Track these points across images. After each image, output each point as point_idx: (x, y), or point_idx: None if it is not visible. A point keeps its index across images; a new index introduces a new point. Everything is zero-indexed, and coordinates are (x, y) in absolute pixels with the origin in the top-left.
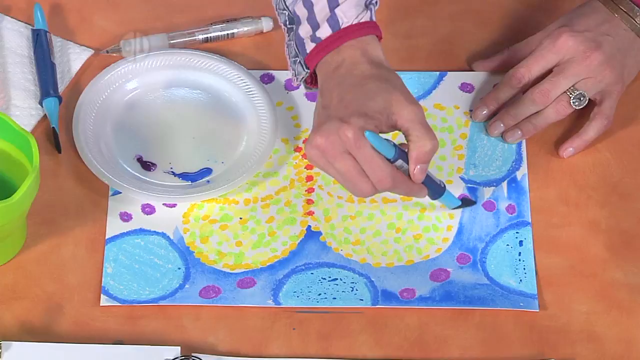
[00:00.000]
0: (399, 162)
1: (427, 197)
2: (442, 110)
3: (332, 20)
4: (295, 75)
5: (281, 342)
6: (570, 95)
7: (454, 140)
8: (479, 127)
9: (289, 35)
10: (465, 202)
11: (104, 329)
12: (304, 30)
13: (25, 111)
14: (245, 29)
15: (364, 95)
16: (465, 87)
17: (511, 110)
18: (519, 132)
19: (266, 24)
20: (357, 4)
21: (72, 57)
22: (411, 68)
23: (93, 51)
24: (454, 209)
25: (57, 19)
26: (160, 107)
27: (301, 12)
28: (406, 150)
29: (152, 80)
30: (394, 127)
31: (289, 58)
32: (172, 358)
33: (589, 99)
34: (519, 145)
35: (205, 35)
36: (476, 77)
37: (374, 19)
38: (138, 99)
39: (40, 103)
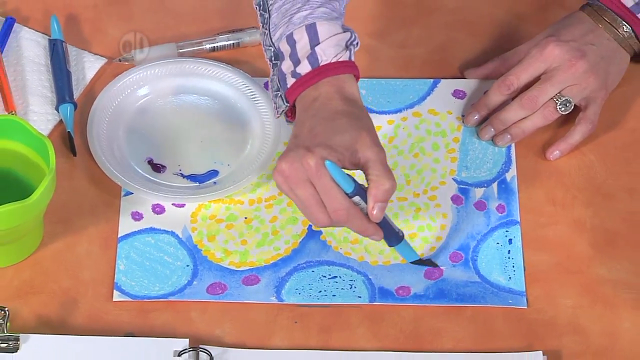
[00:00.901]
0: (357, 198)
1: (386, 243)
2: (436, 116)
3: (312, 57)
4: (276, 109)
5: (284, 334)
6: (557, 102)
7: (447, 144)
8: (470, 132)
9: (273, 71)
10: (426, 262)
11: (116, 322)
12: (286, 65)
13: (42, 116)
14: (250, 38)
15: (333, 129)
16: (457, 94)
17: (501, 115)
18: (509, 136)
19: None
20: (337, 44)
21: (86, 65)
22: (407, 76)
23: (106, 60)
24: (412, 262)
25: (72, 30)
26: (169, 113)
27: (285, 48)
28: (365, 189)
29: (162, 87)
30: (356, 165)
31: (272, 92)
32: (181, 349)
33: (575, 104)
34: (509, 148)
35: (212, 45)
36: (468, 84)
37: (352, 59)
38: (149, 105)
39: (57, 109)
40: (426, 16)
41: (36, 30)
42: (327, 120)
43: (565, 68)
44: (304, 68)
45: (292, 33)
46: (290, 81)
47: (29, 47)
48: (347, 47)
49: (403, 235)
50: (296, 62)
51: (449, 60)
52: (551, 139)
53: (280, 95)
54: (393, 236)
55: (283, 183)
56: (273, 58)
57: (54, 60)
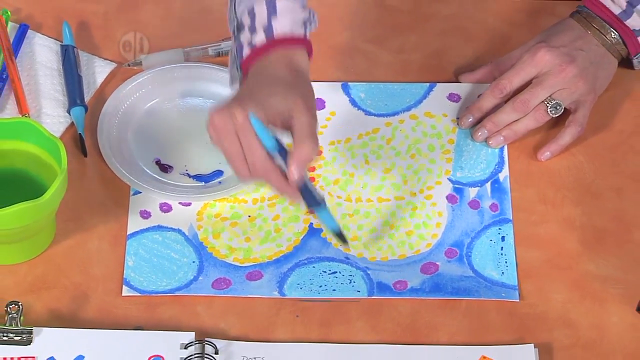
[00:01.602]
0: (279, 158)
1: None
2: (432, 118)
3: (268, 29)
4: (231, 79)
5: (286, 328)
6: (548, 105)
7: (443, 145)
8: (465, 134)
9: (233, 42)
10: (340, 236)
11: (125, 316)
12: (245, 36)
13: (55, 119)
14: None
15: (269, 92)
16: (452, 97)
17: (494, 118)
18: (501, 138)
19: None
20: (294, 21)
21: (97, 70)
22: (404, 80)
23: (116, 65)
24: (332, 234)
25: (83, 36)
26: (176, 115)
27: (246, 21)
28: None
29: (169, 90)
30: (287, 129)
31: (230, 63)
32: (187, 342)
33: (565, 107)
34: (501, 150)
35: (217, 50)
36: (462, 88)
37: (307, 37)
38: (156, 108)
39: (68, 111)
40: (422, 23)
41: (49, 37)
42: (267, 84)
43: (555, 73)
44: (259, 39)
45: (253, 6)
46: (246, 52)
47: (42, 52)
48: (303, 24)
49: (324, 202)
50: (253, 33)
51: (444, 65)
52: (542, 140)
53: (237, 65)
54: (313, 201)
55: (213, 133)
56: (235, 30)
57: (65, 65)
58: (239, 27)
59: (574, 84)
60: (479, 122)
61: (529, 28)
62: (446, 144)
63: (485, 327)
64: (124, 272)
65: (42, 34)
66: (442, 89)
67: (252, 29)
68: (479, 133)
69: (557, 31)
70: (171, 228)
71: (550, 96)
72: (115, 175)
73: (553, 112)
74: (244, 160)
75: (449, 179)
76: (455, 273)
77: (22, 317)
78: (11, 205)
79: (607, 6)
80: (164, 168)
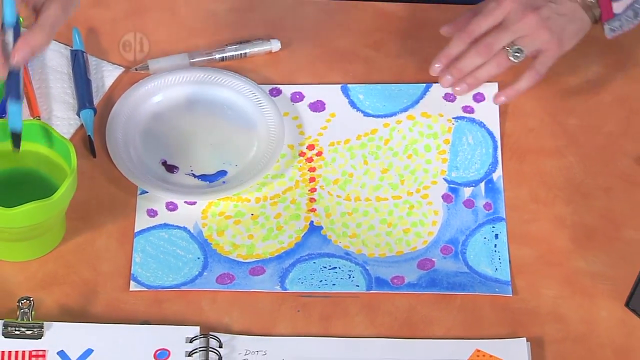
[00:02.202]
0: (10, 33)
1: None
2: (428, 118)
3: None
4: None
5: (287, 322)
6: (510, 50)
7: (439, 146)
8: (460, 134)
9: None
10: (17, 138)
11: (132, 311)
12: None
13: (65, 121)
14: (256, 49)
15: None
16: (448, 97)
17: (458, 64)
18: (465, 85)
19: (274, 45)
20: None
21: (105, 74)
22: (401, 82)
23: (124, 69)
24: (11, 134)
25: (92, 41)
26: (182, 118)
27: None
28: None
29: (175, 94)
30: (34, 12)
31: None
32: (192, 336)
33: (527, 55)
34: (495, 150)
35: (222, 55)
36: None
37: None
38: (163, 110)
39: (78, 114)
40: (419, 29)
41: (59, 42)
42: None
43: (519, 18)
44: None
45: None
46: None
47: (53, 57)
48: None
49: (21, 100)
50: None
51: None
52: (533, 141)
53: None
54: (14, 92)
55: None
56: None
57: (75, 69)
58: None
59: (536, 32)
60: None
61: None
62: (442, 144)
63: (480, 322)
64: (132, 268)
65: (53, 40)
66: (438, 90)
67: None
68: (444, 79)
69: None
70: (177, 226)
71: (512, 42)
72: (123, 176)
73: (514, 57)
74: None
75: (445, 179)
76: (451, 269)
77: (33, 312)
78: (23, 204)
79: None
80: (170, 168)
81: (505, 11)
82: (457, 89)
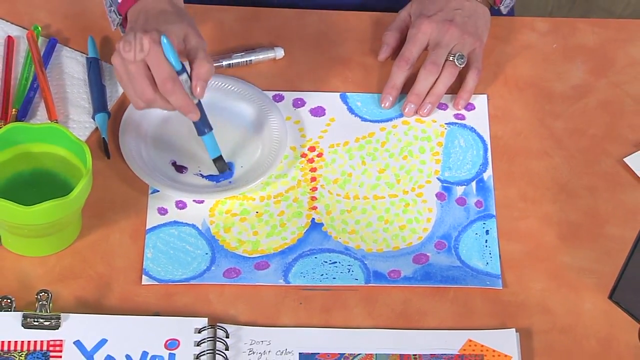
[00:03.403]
0: (184, 77)
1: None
2: (422, 123)
3: None
4: (112, 22)
5: (290, 314)
6: (453, 59)
7: (432, 148)
8: (452, 137)
9: None
10: (221, 162)
11: (144, 303)
12: None
13: (81, 124)
14: (261, 56)
15: (164, 20)
16: (440, 106)
17: (415, 90)
18: (429, 106)
19: (278, 53)
20: None
21: None
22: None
23: None
24: (212, 160)
25: (107, 49)
26: (190, 121)
27: None
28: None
29: None
30: (181, 52)
31: (107, 10)
32: (201, 327)
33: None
34: (485, 151)
35: (228, 62)
36: (449, 98)
37: None
38: (172, 114)
39: (93, 118)
40: None
41: (75, 50)
42: (159, 14)
43: (443, 34)
44: None
45: None
46: None
47: (69, 64)
48: None
49: (211, 129)
50: None
51: None
52: (521, 144)
53: (114, 10)
54: (204, 124)
55: (119, 63)
56: None
57: (90, 75)
58: None
59: (462, 39)
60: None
61: (511, 43)
62: (435, 146)
63: (471, 313)
64: (144, 263)
65: (70, 48)
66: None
67: None
68: (407, 109)
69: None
70: (186, 223)
71: (450, 52)
72: (135, 176)
73: (460, 62)
74: (150, 81)
75: (438, 178)
76: (444, 263)
77: (51, 304)
78: (41, 202)
79: None
80: (180, 169)
81: (427, 33)
82: (422, 112)
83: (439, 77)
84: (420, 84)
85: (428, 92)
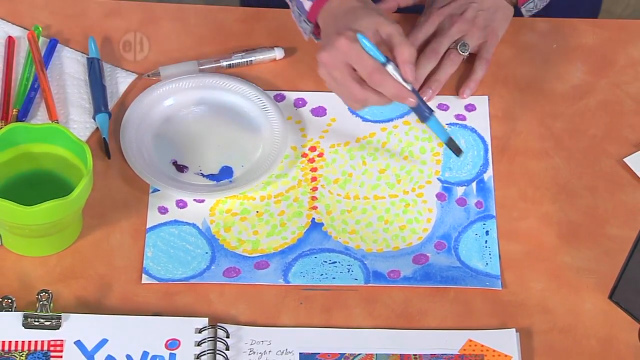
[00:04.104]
0: (390, 67)
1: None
2: (423, 124)
3: None
4: (304, 32)
5: (290, 314)
6: (457, 47)
7: (433, 148)
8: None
9: (291, 3)
10: (454, 144)
11: (145, 303)
12: None
13: (81, 124)
14: (262, 57)
15: (354, 17)
16: (441, 107)
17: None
18: (430, 91)
19: (278, 53)
20: None
21: (119, 80)
22: None
23: (136, 75)
24: (445, 144)
25: (107, 49)
26: (191, 121)
27: None
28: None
29: (185, 98)
30: (378, 43)
31: (297, 21)
32: (201, 327)
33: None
34: (486, 152)
35: (229, 62)
36: (449, 99)
37: None
38: (173, 114)
39: (93, 118)
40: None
41: (76, 50)
42: (347, 12)
43: (449, 26)
44: None
45: None
46: (308, 4)
47: (70, 64)
48: None
49: (432, 112)
50: None
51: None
52: (521, 145)
53: (304, 20)
54: (424, 108)
55: (324, 74)
56: None
57: (91, 75)
58: None
59: (470, 31)
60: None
61: (512, 43)
62: (436, 147)
63: (471, 313)
64: (144, 262)
65: (70, 48)
66: (433, 100)
67: None
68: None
69: None
70: (186, 222)
71: (454, 41)
72: (136, 175)
73: (462, 49)
74: (357, 81)
75: (439, 179)
76: (444, 263)
77: (51, 304)
78: (42, 203)
79: None
80: (180, 168)
81: (435, 23)
82: (425, 99)
83: (441, 64)
84: (419, 70)
85: (430, 79)
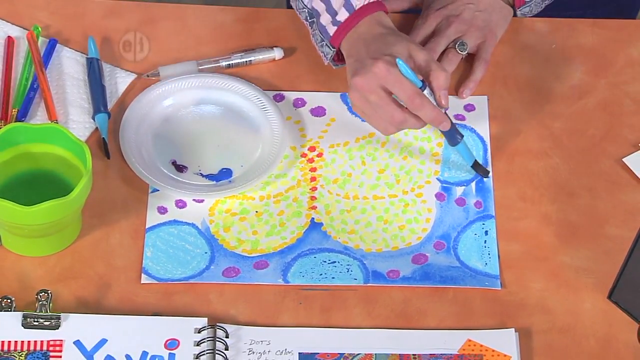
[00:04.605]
0: (427, 91)
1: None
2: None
3: (347, 5)
4: (325, 56)
5: (290, 314)
6: (455, 46)
7: (432, 149)
8: None
9: (312, 27)
10: (480, 167)
11: (144, 303)
12: (325, 19)
13: (81, 124)
14: (261, 57)
15: (386, 44)
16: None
17: None
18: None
19: (278, 53)
20: None
21: (118, 80)
22: None
23: (136, 75)
24: (471, 167)
25: (106, 49)
26: (190, 121)
27: (319, 6)
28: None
29: (184, 98)
30: (412, 69)
31: (316, 44)
32: (201, 327)
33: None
34: (485, 152)
35: (228, 62)
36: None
37: None
38: (172, 114)
39: (93, 118)
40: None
41: (75, 50)
42: (378, 39)
43: (446, 27)
44: (342, 16)
45: None
46: (332, 29)
47: (69, 64)
48: None
49: (463, 137)
50: (333, 13)
51: None
52: (520, 145)
53: (326, 44)
54: (455, 133)
55: (357, 98)
56: (308, 17)
57: (90, 76)
58: (312, 14)
59: (467, 32)
60: None
61: (511, 44)
62: (435, 147)
63: (470, 313)
64: (143, 262)
65: (70, 48)
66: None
67: (331, 11)
68: None
69: None
70: (186, 222)
71: (452, 40)
72: (135, 175)
73: (461, 48)
74: (395, 104)
75: (438, 179)
76: (443, 263)
77: (51, 304)
78: (41, 203)
79: None
80: (180, 168)
81: (432, 25)
82: None
83: (441, 62)
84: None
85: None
